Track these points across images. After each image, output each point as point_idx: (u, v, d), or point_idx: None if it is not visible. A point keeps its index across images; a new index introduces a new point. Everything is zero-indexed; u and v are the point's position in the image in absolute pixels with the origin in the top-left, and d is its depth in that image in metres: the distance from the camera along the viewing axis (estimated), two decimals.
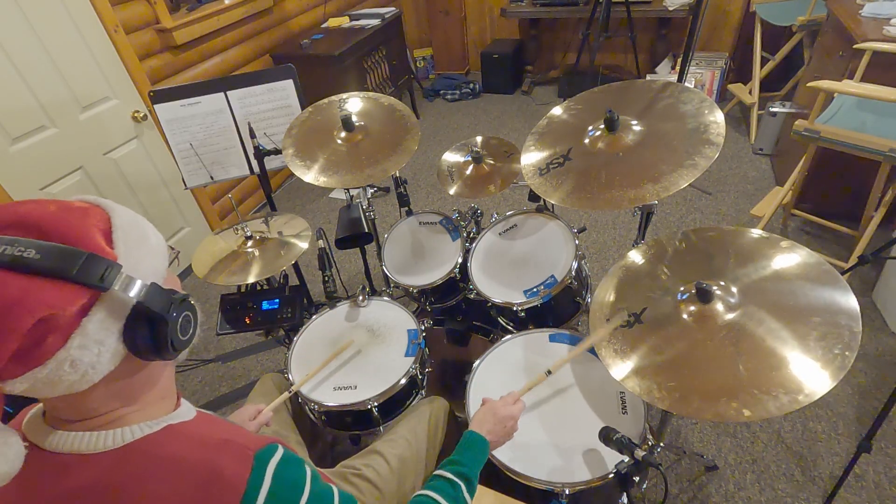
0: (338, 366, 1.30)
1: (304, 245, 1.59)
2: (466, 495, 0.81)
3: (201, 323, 0.66)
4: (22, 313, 0.46)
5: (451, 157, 1.71)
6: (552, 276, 1.35)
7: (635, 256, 1.13)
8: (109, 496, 0.54)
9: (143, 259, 0.57)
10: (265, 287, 1.68)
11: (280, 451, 0.61)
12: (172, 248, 0.66)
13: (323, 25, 3.58)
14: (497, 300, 1.36)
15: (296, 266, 1.83)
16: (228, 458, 0.57)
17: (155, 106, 1.87)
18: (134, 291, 0.53)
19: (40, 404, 0.62)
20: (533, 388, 1.15)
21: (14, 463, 0.51)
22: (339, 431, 1.30)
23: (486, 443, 0.90)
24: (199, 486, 0.54)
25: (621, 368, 0.95)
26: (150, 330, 0.55)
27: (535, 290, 1.34)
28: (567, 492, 0.97)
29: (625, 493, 1.04)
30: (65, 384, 0.51)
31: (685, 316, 0.96)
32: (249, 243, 1.59)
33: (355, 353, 1.33)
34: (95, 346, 0.51)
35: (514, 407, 0.97)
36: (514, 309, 1.33)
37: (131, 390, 0.59)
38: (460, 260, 1.51)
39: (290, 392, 1.17)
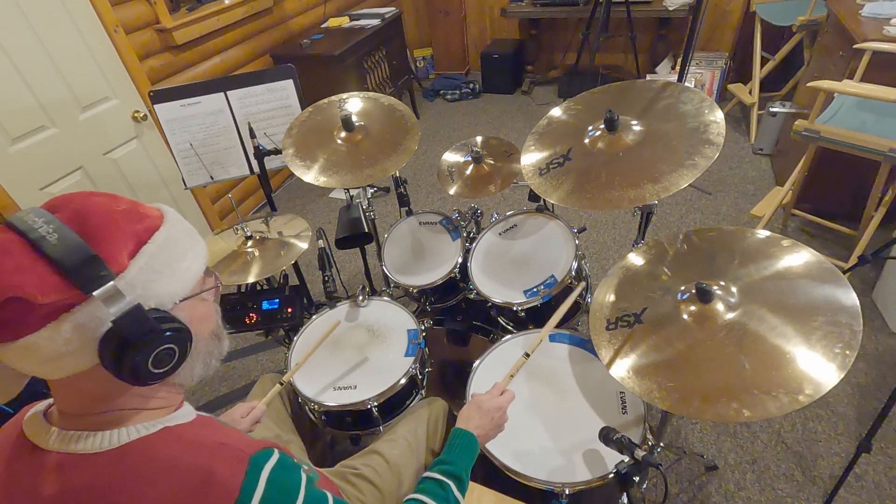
0: (338, 366, 1.30)
1: (303, 245, 1.59)
2: (457, 494, 0.80)
3: (217, 355, 0.66)
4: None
5: (451, 157, 1.71)
6: (552, 276, 1.35)
7: (635, 256, 1.13)
8: (104, 497, 0.54)
9: (158, 280, 0.56)
10: (265, 287, 1.68)
11: (276, 456, 0.60)
12: (216, 276, 0.66)
13: (323, 25, 3.58)
14: (497, 300, 1.36)
15: (296, 266, 1.83)
16: (223, 461, 0.56)
17: (155, 106, 1.87)
18: (115, 308, 0.52)
19: (43, 403, 0.62)
20: (532, 388, 1.16)
21: None
22: (339, 431, 1.30)
23: (473, 438, 0.89)
24: (192, 488, 0.54)
25: (621, 368, 0.95)
26: (119, 351, 0.53)
27: (535, 289, 1.34)
28: (567, 492, 0.97)
29: (625, 493, 1.04)
30: (29, 365, 0.53)
31: (685, 316, 0.96)
32: (249, 243, 1.60)
33: (355, 353, 1.33)
34: (64, 344, 0.51)
35: (500, 398, 0.96)
36: (514, 309, 1.33)
37: (128, 396, 0.59)
38: (460, 260, 1.51)
39: (280, 384, 1.16)
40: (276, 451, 0.61)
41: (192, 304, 0.61)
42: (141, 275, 0.54)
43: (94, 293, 0.51)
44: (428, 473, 0.83)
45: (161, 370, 0.57)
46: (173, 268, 0.58)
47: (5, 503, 0.56)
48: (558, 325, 1.31)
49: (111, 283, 0.51)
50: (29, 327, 0.50)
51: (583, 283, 1.07)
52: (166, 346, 0.56)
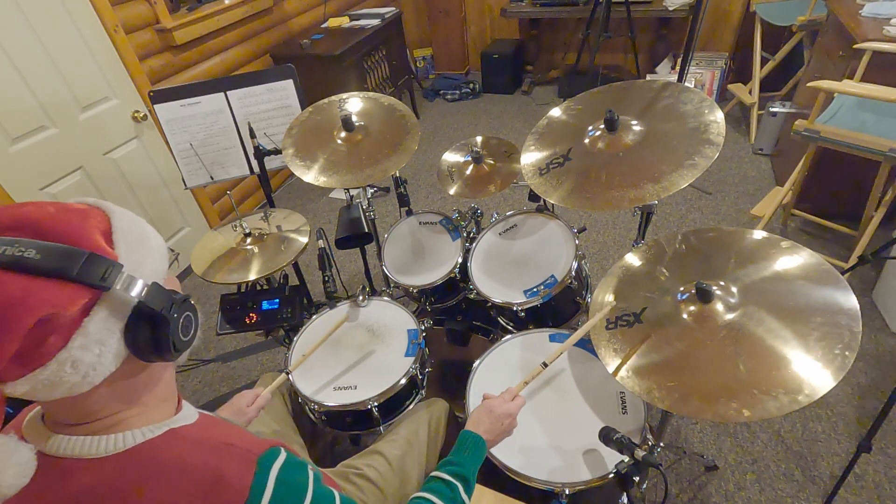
0: (338, 366, 1.30)
1: (303, 240, 1.58)
2: (464, 496, 0.81)
3: (201, 324, 0.66)
4: (23, 313, 0.46)
5: (451, 157, 1.71)
6: (552, 276, 1.34)
7: (635, 257, 1.13)
8: (111, 501, 0.53)
9: (143, 260, 0.57)
10: (265, 287, 1.68)
11: (283, 455, 0.60)
12: (172, 251, 0.66)
13: (323, 25, 3.58)
14: (497, 300, 1.36)
15: (296, 266, 1.83)
16: (231, 462, 0.57)
17: (155, 106, 1.87)
18: (135, 291, 0.53)
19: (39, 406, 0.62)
20: (532, 388, 1.15)
21: (25, 475, 0.51)
22: (340, 431, 1.30)
23: (482, 442, 0.90)
24: (201, 491, 0.54)
25: (621, 368, 0.95)
26: (151, 330, 0.54)
27: (535, 289, 1.34)
28: (567, 492, 0.97)
29: (625, 493, 1.04)
30: (66, 386, 0.51)
31: (685, 316, 0.96)
32: (248, 240, 1.59)
33: (356, 353, 1.33)
34: (97, 346, 0.51)
35: (511, 404, 0.96)
36: (514, 309, 1.33)
37: (132, 392, 0.59)
38: (460, 260, 1.51)
39: (287, 373, 1.16)
40: (283, 450, 0.61)
41: (170, 277, 0.63)
42: (130, 259, 0.55)
43: (115, 285, 0.51)
44: (436, 473, 0.83)
45: (188, 337, 0.60)
46: (147, 248, 0.59)
47: None
48: (557, 326, 1.32)
49: (123, 270, 0.52)
50: (57, 344, 0.49)
51: (609, 306, 1.04)
52: (186, 312, 0.59)
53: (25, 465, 0.51)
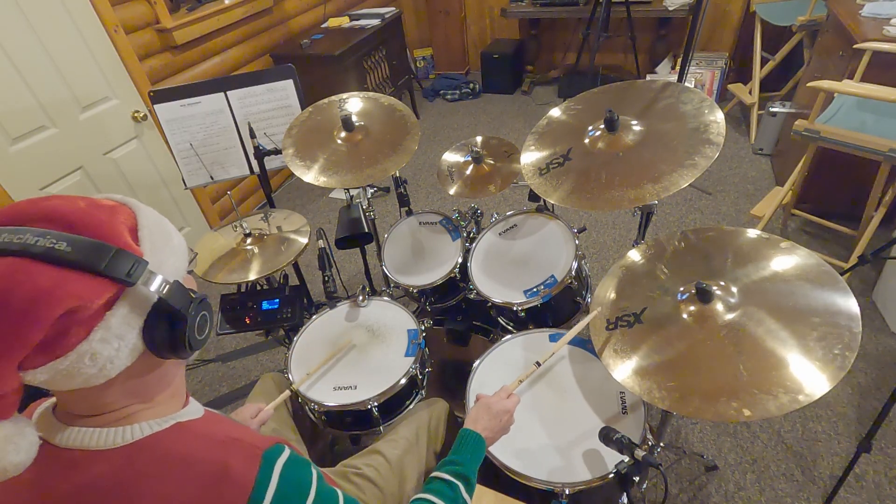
0: (338, 366, 1.30)
1: (303, 240, 1.58)
2: (465, 495, 0.80)
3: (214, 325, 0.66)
4: (51, 304, 0.47)
5: (451, 157, 1.71)
6: (552, 276, 1.35)
7: (635, 256, 1.13)
8: (118, 493, 0.54)
9: (166, 258, 0.58)
10: (265, 287, 1.68)
11: (287, 452, 0.61)
12: (191, 250, 0.67)
13: (323, 25, 3.58)
14: (497, 300, 1.36)
15: (296, 266, 1.83)
16: (236, 456, 0.57)
17: (155, 106, 1.87)
18: (157, 288, 0.54)
19: (51, 400, 0.63)
20: (532, 388, 1.16)
21: (27, 453, 0.51)
22: (339, 431, 1.30)
23: (481, 440, 0.89)
24: (206, 484, 0.54)
25: (621, 368, 0.95)
26: (169, 328, 0.56)
27: (535, 289, 1.34)
28: (567, 492, 0.97)
29: (625, 493, 1.04)
30: (83, 377, 0.52)
31: (685, 316, 0.96)
32: (248, 240, 1.59)
33: (356, 353, 1.33)
34: (116, 340, 0.52)
35: (508, 401, 0.96)
36: (514, 309, 1.33)
37: (145, 388, 0.59)
38: (460, 260, 1.51)
39: (289, 391, 1.17)
40: (286, 447, 0.62)
41: (188, 276, 0.64)
42: (154, 257, 0.55)
43: (139, 282, 0.52)
44: (437, 473, 0.83)
45: (203, 336, 0.61)
46: (170, 246, 0.59)
47: (21, 501, 0.56)
48: (557, 326, 1.32)
49: (147, 268, 0.53)
50: (79, 336, 0.50)
51: (598, 310, 1.08)
52: (202, 312, 0.60)
53: (29, 445, 0.52)
